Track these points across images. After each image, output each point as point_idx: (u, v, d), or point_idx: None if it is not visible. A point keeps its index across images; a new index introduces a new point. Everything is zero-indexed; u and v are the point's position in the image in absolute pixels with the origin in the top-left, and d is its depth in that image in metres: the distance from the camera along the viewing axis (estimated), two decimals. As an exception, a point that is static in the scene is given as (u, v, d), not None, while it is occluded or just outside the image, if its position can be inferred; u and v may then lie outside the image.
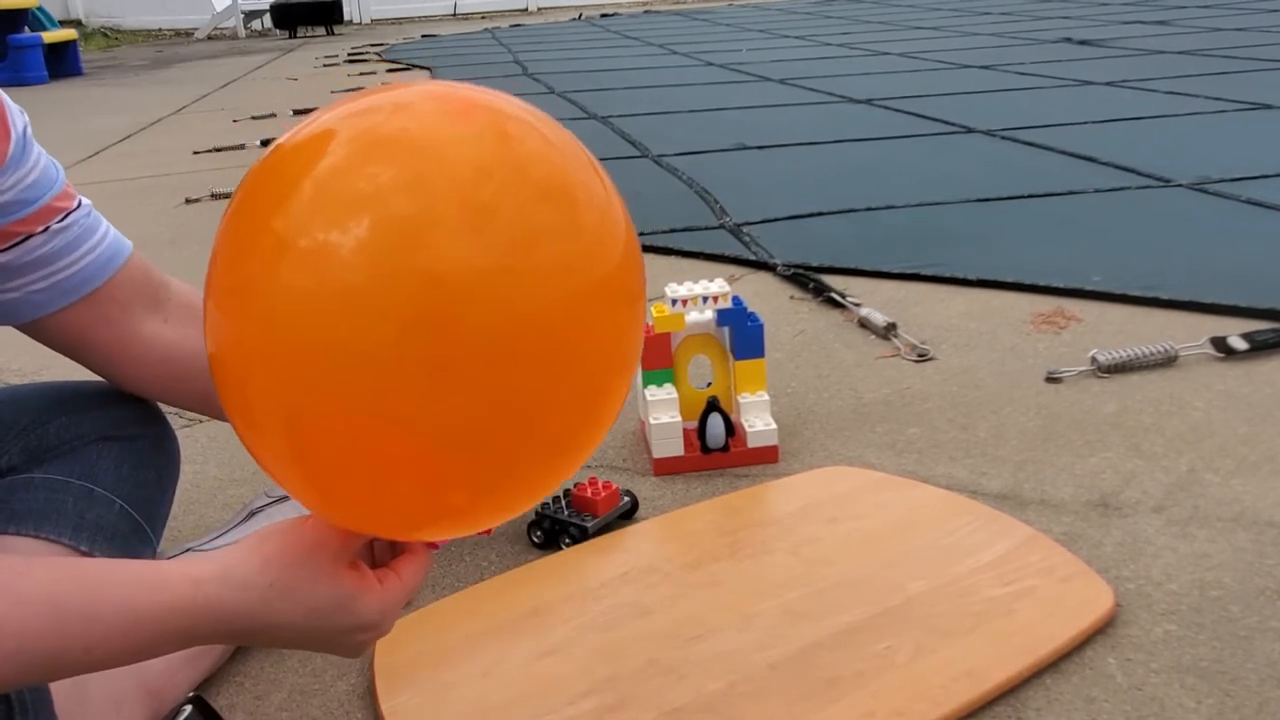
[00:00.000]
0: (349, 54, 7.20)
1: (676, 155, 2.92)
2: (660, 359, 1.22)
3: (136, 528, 0.84)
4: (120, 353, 0.87)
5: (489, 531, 0.82)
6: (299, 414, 0.55)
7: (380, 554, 0.67)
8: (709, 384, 1.25)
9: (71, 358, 0.89)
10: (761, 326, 1.22)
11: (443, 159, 0.55)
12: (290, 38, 9.64)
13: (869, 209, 2.25)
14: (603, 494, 1.07)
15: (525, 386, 0.56)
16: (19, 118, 0.80)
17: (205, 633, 0.59)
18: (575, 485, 1.08)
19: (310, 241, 0.54)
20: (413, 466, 0.56)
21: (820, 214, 2.24)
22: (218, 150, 3.50)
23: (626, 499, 1.11)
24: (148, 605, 0.58)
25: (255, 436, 0.59)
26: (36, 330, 0.85)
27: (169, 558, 0.93)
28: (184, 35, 10.52)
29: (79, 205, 0.84)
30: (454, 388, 0.54)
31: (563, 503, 1.08)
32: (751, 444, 1.21)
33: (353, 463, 0.56)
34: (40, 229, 0.81)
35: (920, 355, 1.48)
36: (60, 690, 0.69)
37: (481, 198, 0.54)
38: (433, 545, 0.69)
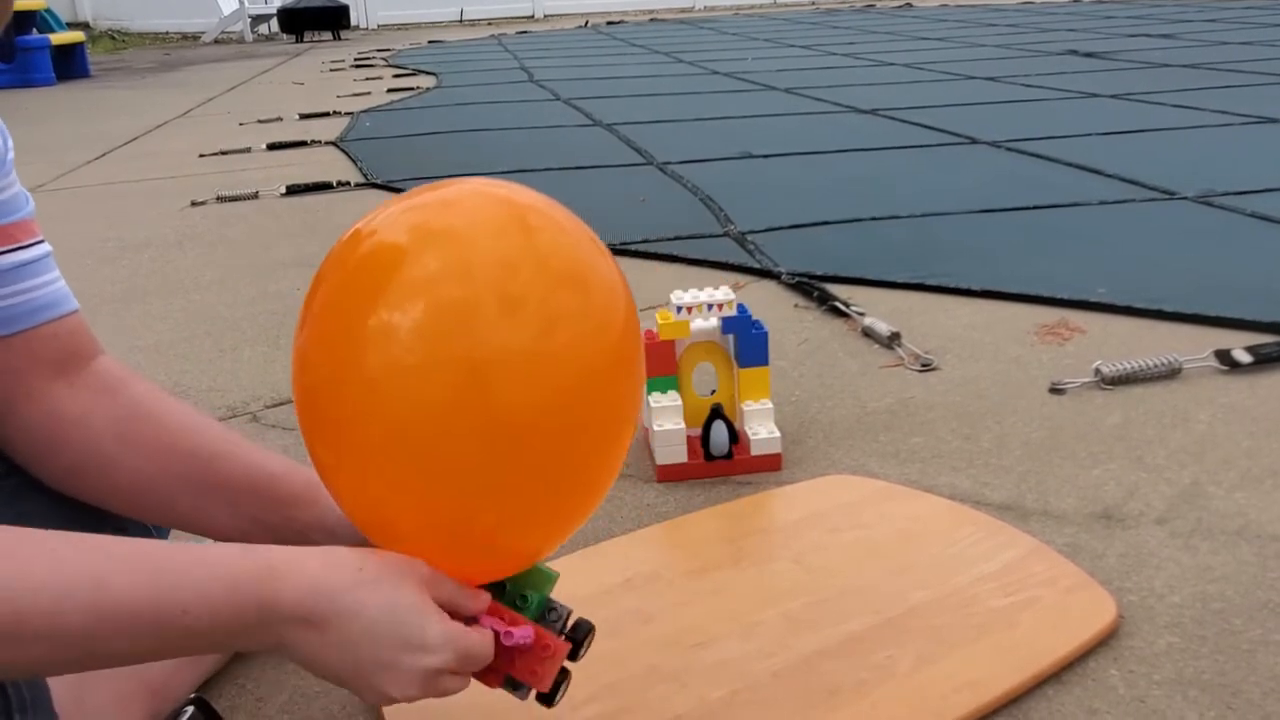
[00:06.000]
0: (355, 59, 7.21)
1: (682, 163, 2.93)
2: (664, 366, 1.22)
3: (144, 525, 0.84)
4: (5, 411, 0.77)
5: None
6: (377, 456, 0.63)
7: None
8: (713, 391, 1.25)
9: None
10: (766, 334, 1.22)
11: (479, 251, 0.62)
12: (297, 42, 9.66)
13: (873, 219, 2.26)
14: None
15: (549, 450, 0.63)
16: (7, 138, 0.77)
17: (287, 606, 0.60)
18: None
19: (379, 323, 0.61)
20: (455, 504, 0.63)
21: (825, 223, 2.24)
22: (224, 153, 3.51)
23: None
24: (246, 567, 0.60)
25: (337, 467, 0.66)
26: None
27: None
28: (191, 39, 10.55)
29: (35, 244, 0.77)
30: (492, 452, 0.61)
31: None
32: (755, 452, 1.21)
33: (409, 501, 0.63)
34: None
35: (924, 365, 1.48)
36: (60, 687, 0.69)
37: (512, 289, 0.61)
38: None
